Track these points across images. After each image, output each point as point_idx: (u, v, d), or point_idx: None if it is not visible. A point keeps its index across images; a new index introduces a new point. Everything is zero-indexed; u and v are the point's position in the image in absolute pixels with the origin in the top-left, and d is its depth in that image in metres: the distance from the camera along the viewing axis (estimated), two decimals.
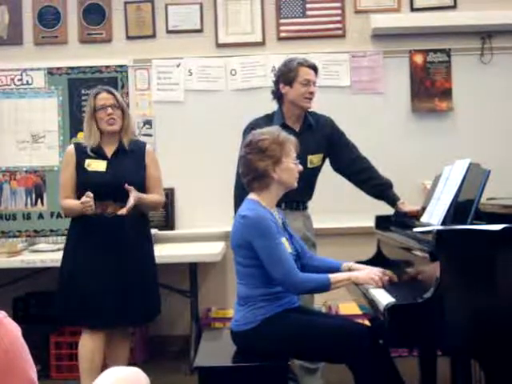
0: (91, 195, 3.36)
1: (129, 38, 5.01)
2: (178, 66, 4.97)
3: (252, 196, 2.90)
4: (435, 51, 4.88)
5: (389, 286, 2.78)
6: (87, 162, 3.52)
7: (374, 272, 2.86)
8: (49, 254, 4.48)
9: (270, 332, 2.75)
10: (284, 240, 2.84)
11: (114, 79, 4.96)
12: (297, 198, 3.58)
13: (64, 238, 3.70)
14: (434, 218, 2.89)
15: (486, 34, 4.83)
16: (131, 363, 3.56)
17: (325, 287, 2.77)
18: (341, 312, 4.53)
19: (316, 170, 3.75)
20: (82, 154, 3.54)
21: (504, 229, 2.35)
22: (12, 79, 5.00)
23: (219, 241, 4.72)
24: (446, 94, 4.87)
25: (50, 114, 4.99)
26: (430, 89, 4.88)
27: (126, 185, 3.42)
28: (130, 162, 3.56)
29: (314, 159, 3.68)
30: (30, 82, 5.00)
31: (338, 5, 4.91)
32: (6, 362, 1.43)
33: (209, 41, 4.98)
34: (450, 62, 4.88)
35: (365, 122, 4.79)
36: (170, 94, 4.98)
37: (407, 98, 4.89)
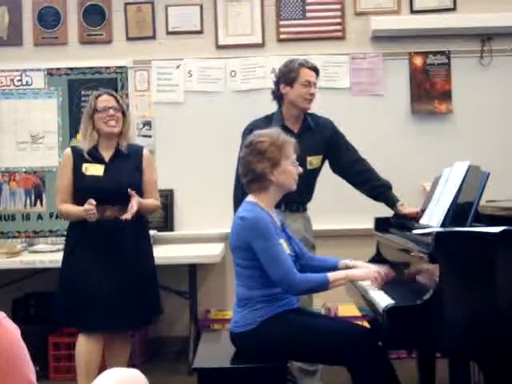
0: (94, 203, 3.33)
1: (129, 39, 5.01)
2: (177, 67, 4.97)
3: (250, 197, 2.91)
4: (435, 53, 4.88)
5: (388, 288, 2.78)
6: (84, 166, 3.49)
7: (372, 269, 2.87)
8: (48, 254, 4.48)
9: (269, 333, 2.75)
10: (282, 241, 2.84)
11: (114, 80, 4.96)
12: (296, 200, 3.58)
13: (63, 238, 3.69)
14: (433, 220, 2.89)
15: (485, 37, 4.83)
16: (130, 364, 3.56)
17: (323, 286, 2.77)
18: (340, 314, 4.53)
19: (315, 172, 3.75)
20: (79, 157, 3.51)
21: (503, 231, 2.35)
22: (12, 80, 5.00)
23: (218, 242, 4.72)
24: (446, 96, 4.87)
25: (50, 115, 4.99)
26: (429, 91, 4.88)
27: (129, 190, 3.41)
28: (128, 167, 3.54)
29: (313, 161, 3.68)
30: (29, 82, 5.00)
31: (337, 7, 4.91)
32: (4, 363, 1.43)
33: (209, 42, 4.98)
34: (449, 64, 4.88)
35: (364, 124, 4.79)
36: (169, 95, 4.98)
37: (407, 100, 4.89)
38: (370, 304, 2.69)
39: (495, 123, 4.84)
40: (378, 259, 3.42)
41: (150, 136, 4.98)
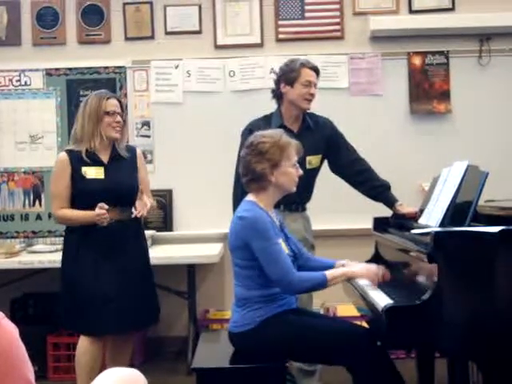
0: (106, 207, 3.29)
1: (127, 39, 5.01)
2: (176, 67, 4.97)
3: (250, 197, 2.91)
4: (433, 53, 4.88)
5: (387, 288, 2.79)
6: (84, 169, 3.41)
7: (369, 267, 2.87)
8: (47, 254, 4.48)
9: (268, 333, 2.75)
10: (281, 241, 2.84)
11: (113, 80, 4.96)
12: (295, 200, 3.58)
13: (62, 239, 3.64)
14: (431, 219, 2.89)
15: (484, 37, 4.83)
16: (129, 364, 3.55)
17: (322, 285, 2.77)
18: (339, 314, 4.53)
19: (315, 172, 3.75)
20: (76, 161, 3.41)
21: (502, 231, 2.35)
22: (10, 80, 4.99)
23: (217, 242, 4.72)
24: (445, 96, 4.88)
25: (49, 115, 4.98)
26: (428, 91, 4.88)
27: (138, 212, 3.41)
28: (127, 168, 3.52)
29: (312, 160, 3.68)
30: (28, 82, 5.00)
31: (336, 6, 4.91)
32: (3, 363, 1.43)
33: (207, 42, 4.98)
34: (448, 64, 4.88)
35: (363, 124, 4.79)
36: (168, 95, 4.98)
37: (405, 99, 4.89)
38: (369, 304, 2.69)
39: (494, 123, 4.84)
40: (376, 259, 3.42)
41: (148, 136, 4.98)
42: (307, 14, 4.93)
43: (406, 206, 3.58)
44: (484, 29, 4.77)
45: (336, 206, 4.66)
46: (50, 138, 4.97)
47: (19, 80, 5.00)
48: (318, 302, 4.40)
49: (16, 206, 4.99)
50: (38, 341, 4.31)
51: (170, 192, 4.95)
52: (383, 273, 2.89)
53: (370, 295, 2.73)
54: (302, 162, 3.15)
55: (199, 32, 4.98)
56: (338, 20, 4.92)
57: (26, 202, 4.98)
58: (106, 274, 3.35)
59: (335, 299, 4.29)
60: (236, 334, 2.85)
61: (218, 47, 4.97)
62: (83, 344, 3.40)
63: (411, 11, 4.91)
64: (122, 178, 3.46)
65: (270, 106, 3.81)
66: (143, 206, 3.45)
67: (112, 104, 3.46)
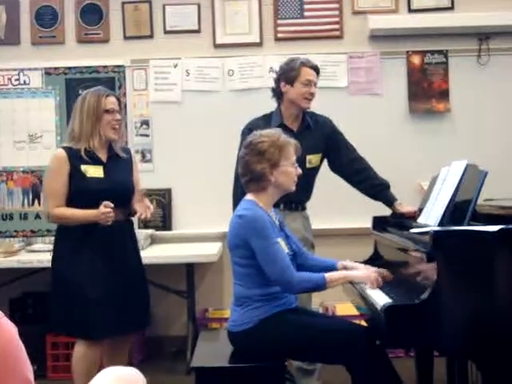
0: (111, 205, 3.20)
1: (126, 38, 5.00)
2: (175, 66, 4.97)
3: (249, 196, 2.91)
4: (432, 52, 4.88)
5: (386, 287, 2.79)
6: (83, 167, 3.31)
7: (370, 271, 2.87)
8: (46, 254, 4.44)
9: (267, 332, 2.75)
10: (280, 240, 2.84)
11: (112, 79, 4.96)
12: (295, 199, 3.58)
13: None
14: (430, 219, 2.89)
15: (483, 36, 4.83)
16: (128, 363, 3.54)
17: (320, 286, 2.78)
18: (338, 313, 4.53)
19: (314, 170, 3.75)
20: (75, 159, 3.31)
21: (501, 230, 2.35)
22: (9, 79, 4.99)
23: (216, 241, 4.72)
24: (444, 95, 4.88)
25: (48, 114, 4.98)
26: (427, 90, 4.88)
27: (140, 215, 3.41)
28: (124, 167, 3.47)
29: (312, 159, 3.69)
30: (27, 81, 4.99)
31: (335, 6, 4.91)
32: (2, 363, 1.43)
33: (206, 41, 4.97)
34: (447, 64, 4.88)
35: (362, 123, 4.79)
36: (167, 95, 4.98)
37: (404, 99, 4.89)
38: (368, 303, 2.69)
39: (493, 122, 4.84)
40: (375, 259, 3.42)
41: (147, 135, 4.97)
42: (306, 13, 4.93)
43: (405, 205, 3.58)
44: (483, 28, 4.78)
45: (335, 206, 4.66)
46: (49, 138, 4.97)
47: (18, 79, 4.99)
48: (317, 300, 4.40)
49: (15, 206, 4.99)
50: (37, 340, 4.31)
51: (169, 191, 4.95)
52: (385, 275, 2.89)
53: (369, 294, 2.73)
54: (301, 161, 3.16)
55: (198, 31, 4.98)
56: (337, 19, 4.92)
57: (25, 201, 4.97)
58: (103, 275, 3.28)
59: (334, 298, 4.29)
60: (235, 333, 2.85)
61: (216, 46, 4.97)
62: (81, 349, 3.31)
63: (410, 10, 4.90)
64: (120, 177, 3.40)
65: (269, 105, 3.81)
66: (145, 208, 3.41)
67: (111, 102, 3.38)
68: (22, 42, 5.02)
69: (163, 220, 4.95)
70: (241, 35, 4.95)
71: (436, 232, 2.42)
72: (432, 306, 2.32)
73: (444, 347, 2.45)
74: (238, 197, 3.37)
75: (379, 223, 3.52)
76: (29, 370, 1.51)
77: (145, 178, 4.67)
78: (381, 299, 2.59)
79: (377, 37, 4.89)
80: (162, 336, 4.90)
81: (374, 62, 4.91)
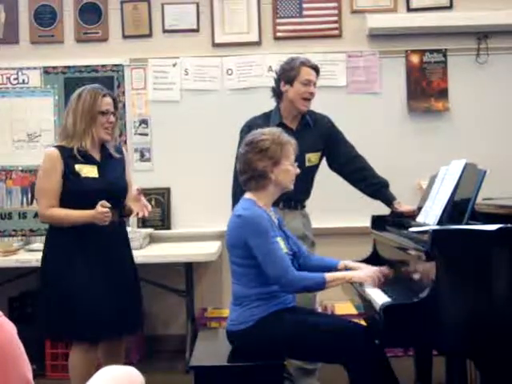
0: (108, 205, 3.10)
1: (125, 37, 5.00)
2: (174, 65, 4.97)
3: (248, 195, 2.91)
4: (431, 51, 4.88)
5: (385, 286, 2.79)
6: (77, 167, 3.21)
7: (371, 271, 2.87)
8: None
9: (265, 332, 2.75)
10: (279, 239, 2.84)
11: (110, 78, 4.96)
12: (295, 197, 3.58)
13: None
14: (429, 218, 2.89)
15: (481, 35, 4.83)
16: (127, 363, 3.54)
17: (320, 286, 2.78)
18: (336, 312, 4.53)
19: (314, 169, 3.75)
20: (68, 158, 3.21)
21: (499, 229, 2.35)
22: (8, 78, 4.99)
23: (215, 240, 4.72)
24: (442, 94, 4.88)
25: (46, 113, 4.98)
26: (426, 89, 4.88)
27: (137, 190, 3.31)
28: (118, 166, 3.38)
29: (311, 157, 3.69)
30: (26, 80, 4.99)
31: (334, 5, 4.91)
32: (1, 362, 1.43)
33: (205, 40, 4.97)
34: (446, 63, 4.88)
35: (361, 122, 4.79)
36: (166, 94, 4.97)
37: (403, 98, 4.89)
38: (367, 302, 2.69)
39: (492, 121, 4.85)
40: (374, 258, 3.42)
41: (146, 134, 4.97)
42: (305, 12, 4.93)
43: (404, 204, 3.58)
44: (482, 27, 4.78)
45: (334, 205, 4.66)
46: (48, 137, 4.95)
47: (17, 78, 4.99)
48: (317, 300, 4.40)
49: (14, 205, 4.99)
50: (36, 339, 4.30)
51: (168, 190, 4.95)
52: (386, 273, 2.89)
53: (368, 293, 2.73)
54: (301, 160, 3.16)
55: (197, 30, 4.97)
56: (335, 18, 4.92)
57: (24, 200, 4.97)
58: (97, 277, 3.19)
59: (333, 297, 4.29)
60: (233, 333, 2.85)
61: (215, 45, 4.96)
62: (77, 354, 3.23)
63: (409, 9, 4.90)
64: (115, 177, 3.31)
65: (267, 104, 3.81)
66: (142, 207, 3.32)
67: (107, 103, 3.28)
68: (21, 41, 5.02)
69: (162, 219, 4.95)
70: (239, 34, 4.95)
71: (435, 231, 2.42)
72: (431, 305, 2.32)
73: (443, 346, 2.45)
74: (237, 195, 3.36)
75: (378, 222, 3.52)
76: (28, 369, 1.51)
77: (144, 177, 4.72)
78: (379, 298, 2.59)
79: (376, 36, 4.89)
80: (160, 335, 4.90)
81: (373, 60, 4.91)
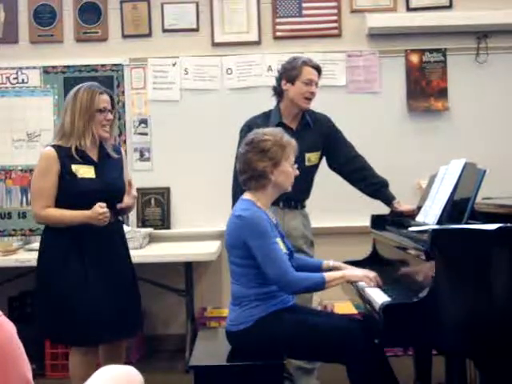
0: (104, 205, 3.08)
1: (125, 36, 5.00)
2: (173, 64, 4.96)
3: (247, 196, 2.90)
4: (431, 51, 4.88)
5: (384, 286, 2.79)
6: (74, 167, 3.16)
7: (367, 272, 2.87)
8: None
9: (265, 331, 2.75)
10: (278, 240, 2.84)
11: (110, 78, 4.96)
12: (294, 197, 3.58)
13: None
14: (429, 217, 2.89)
15: (481, 34, 4.84)
16: (126, 362, 3.54)
17: (319, 286, 2.78)
18: (336, 311, 4.53)
19: (313, 168, 3.75)
20: (65, 158, 3.16)
21: (499, 228, 2.35)
22: (7, 78, 4.99)
23: (215, 240, 4.72)
24: (442, 93, 4.88)
25: (46, 113, 4.98)
26: (425, 88, 4.88)
27: (121, 205, 3.29)
28: (115, 167, 3.33)
29: (311, 157, 3.69)
30: (25, 80, 4.99)
31: (334, 4, 4.91)
32: (1, 361, 1.43)
33: (205, 40, 4.97)
34: (445, 62, 4.88)
35: (360, 122, 4.79)
36: (165, 93, 4.97)
37: (403, 97, 4.90)
38: (366, 301, 2.69)
39: (491, 120, 4.85)
40: (374, 257, 3.43)
41: (146, 134, 4.97)
42: (304, 12, 4.93)
43: (403, 204, 3.58)
44: (481, 26, 4.78)
45: (334, 204, 4.66)
46: (48, 136, 4.92)
47: (16, 78, 4.99)
48: (316, 299, 4.40)
49: (13, 204, 4.99)
50: (36, 339, 4.29)
51: (167, 190, 4.95)
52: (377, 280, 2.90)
53: (368, 293, 2.73)
54: (301, 160, 3.16)
55: (196, 30, 4.97)
56: (335, 18, 4.92)
57: (24, 199, 4.97)
58: (94, 279, 3.14)
59: (333, 297, 4.30)
60: (233, 333, 2.85)
61: (215, 45, 4.96)
62: (77, 356, 3.20)
63: (409, 9, 4.91)
64: (112, 178, 3.27)
65: (267, 104, 3.81)
66: (132, 198, 3.32)
67: (104, 100, 3.24)
68: (21, 41, 5.02)
69: (162, 219, 4.95)
70: (239, 34, 4.95)
71: (434, 230, 2.42)
72: (430, 305, 2.32)
73: (442, 346, 2.45)
74: (237, 195, 3.36)
75: (378, 222, 3.52)
76: (28, 368, 1.51)
77: (143, 176, 4.73)
78: (379, 298, 2.59)
79: (375, 35, 4.89)
80: (160, 334, 4.90)
81: (373, 60, 4.91)
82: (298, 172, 2.95)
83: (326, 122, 3.79)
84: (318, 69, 3.70)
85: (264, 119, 3.69)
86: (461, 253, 2.37)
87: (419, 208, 3.19)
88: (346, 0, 4.92)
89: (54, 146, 3.21)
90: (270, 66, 4.80)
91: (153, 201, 4.91)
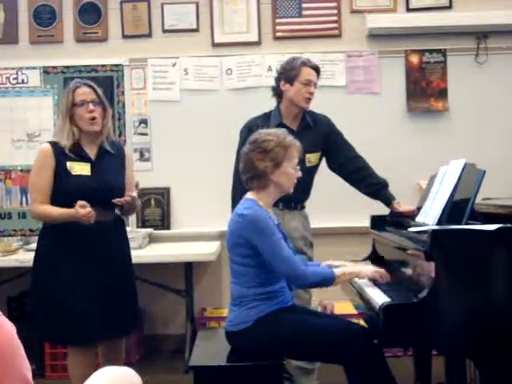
0: (88, 204, 3.02)
1: (125, 37, 5.00)
2: (173, 65, 4.97)
3: (249, 195, 2.91)
4: (431, 51, 4.88)
5: (384, 286, 2.79)
6: (69, 164, 3.15)
7: (375, 267, 2.88)
8: None
9: (264, 331, 2.75)
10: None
11: (110, 78, 4.96)
12: (294, 198, 3.56)
13: None
14: (429, 217, 2.89)
15: (481, 35, 4.84)
16: (126, 362, 3.54)
17: (330, 281, 2.77)
18: (336, 311, 4.53)
19: (314, 169, 3.75)
20: (60, 154, 3.15)
21: (499, 229, 2.35)
22: (7, 78, 4.99)
23: (215, 240, 4.72)
24: (442, 94, 4.88)
25: (46, 113, 4.98)
26: (425, 89, 4.88)
27: (118, 200, 3.18)
28: (114, 165, 3.28)
29: (311, 158, 3.69)
30: (25, 80, 4.99)
31: (333, 4, 4.91)
32: (1, 361, 1.43)
33: (205, 40, 4.97)
34: (445, 62, 4.88)
35: (360, 122, 4.79)
36: (165, 94, 4.97)
37: (403, 98, 4.90)
38: (366, 302, 2.69)
39: (491, 121, 4.85)
40: (373, 258, 3.43)
41: (146, 134, 4.97)
42: (304, 12, 4.93)
43: (403, 204, 3.58)
44: (481, 27, 4.78)
45: (334, 205, 4.66)
46: (48, 136, 4.88)
47: (16, 78, 4.99)
48: (316, 299, 4.40)
49: (13, 204, 4.99)
50: (36, 339, 4.30)
51: (167, 190, 4.95)
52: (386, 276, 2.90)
53: (368, 293, 2.73)
54: (301, 160, 3.16)
55: (196, 30, 4.97)
56: (335, 18, 4.92)
57: (23, 200, 4.97)
58: (90, 279, 3.13)
59: (333, 297, 4.30)
60: (232, 333, 2.85)
61: (215, 45, 4.96)
62: (74, 355, 3.20)
63: (408, 9, 4.91)
64: (109, 176, 3.22)
65: (267, 104, 3.81)
66: (128, 197, 3.21)
67: (81, 93, 3.18)
68: (20, 41, 5.02)
69: (162, 219, 4.95)
70: (239, 34, 4.95)
71: (434, 231, 2.42)
72: (430, 305, 2.33)
73: (442, 346, 2.45)
74: (236, 195, 3.37)
75: (378, 222, 3.52)
76: (27, 368, 1.51)
77: (143, 176, 4.72)
78: (379, 298, 2.59)
79: (375, 36, 4.89)
80: (160, 335, 4.91)
81: (373, 60, 4.91)
82: (300, 173, 2.95)
83: (326, 122, 3.79)
84: (316, 69, 3.70)
85: (264, 120, 3.69)
86: (461, 253, 2.38)
87: (419, 208, 3.19)
88: (346, 0, 4.92)
89: (50, 143, 3.22)
90: (269, 67, 4.80)
91: (153, 201, 4.91)
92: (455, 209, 2.72)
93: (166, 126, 4.95)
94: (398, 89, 4.89)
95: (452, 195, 2.78)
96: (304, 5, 4.92)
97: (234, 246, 2.86)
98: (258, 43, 4.95)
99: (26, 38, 5.01)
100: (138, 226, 4.86)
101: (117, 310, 3.19)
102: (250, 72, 4.93)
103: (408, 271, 2.76)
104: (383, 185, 3.72)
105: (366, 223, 3.60)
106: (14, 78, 4.99)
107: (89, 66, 4.97)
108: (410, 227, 2.85)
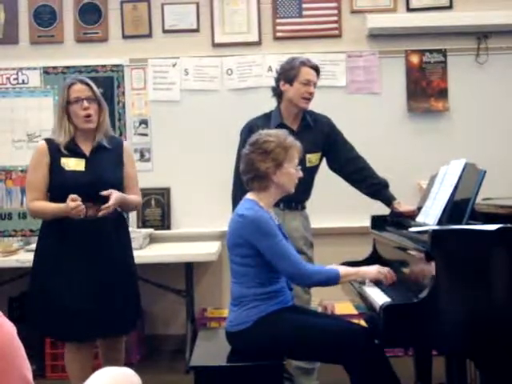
0: (78, 198, 3.04)
1: (125, 37, 5.00)
2: (174, 65, 4.97)
3: (250, 195, 2.91)
4: (431, 51, 4.88)
5: (384, 286, 2.79)
6: (63, 160, 3.17)
7: (380, 267, 2.87)
8: None
9: (264, 332, 2.75)
10: None
11: (110, 78, 4.96)
12: (295, 198, 3.56)
13: None
14: (429, 218, 2.89)
15: (481, 35, 4.84)
16: (127, 363, 3.53)
17: (333, 281, 2.77)
18: (336, 312, 4.53)
19: (314, 169, 3.75)
20: (55, 151, 3.19)
21: (499, 229, 2.35)
22: (8, 78, 4.99)
23: (215, 240, 4.72)
24: (442, 94, 4.88)
25: (46, 114, 4.97)
26: (425, 89, 4.88)
27: (105, 191, 3.13)
28: (109, 161, 3.27)
29: (312, 158, 3.69)
30: (25, 81, 4.99)
31: (334, 5, 4.91)
32: (1, 362, 1.42)
33: (205, 40, 4.97)
34: (445, 63, 4.88)
35: (361, 122, 4.79)
36: (166, 94, 4.97)
37: (403, 98, 4.89)
38: (367, 302, 2.70)
39: (491, 121, 4.85)
40: (374, 258, 3.42)
41: (146, 134, 4.97)
42: (305, 13, 4.93)
43: (403, 204, 3.58)
44: (482, 27, 4.78)
45: (334, 205, 4.66)
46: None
47: (17, 78, 4.99)
48: (316, 299, 4.40)
49: (14, 205, 4.99)
50: (36, 339, 4.31)
51: (167, 190, 4.95)
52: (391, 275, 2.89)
53: (368, 293, 2.73)
54: (301, 160, 3.16)
55: (197, 30, 4.97)
56: (335, 18, 4.92)
57: (24, 200, 4.96)
58: (87, 276, 3.13)
59: (333, 297, 4.30)
60: (232, 334, 2.85)
61: (215, 45, 4.96)
62: (70, 352, 3.23)
63: (409, 9, 4.91)
64: (103, 171, 3.21)
65: (267, 104, 3.81)
66: (106, 205, 3.14)
67: (75, 90, 3.20)
68: (21, 41, 5.02)
69: (162, 219, 4.95)
70: (239, 34, 4.95)
71: (435, 231, 2.42)
72: (431, 305, 2.33)
73: (443, 346, 2.45)
74: (237, 196, 3.37)
75: (378, 222, 3.52)
76: (28, 369, 1.51)
77: (143, 177, 4.68)
78: (379, 298, 2.59)
79: (375, 36, 4.89)
80: (160, 335, 4.91)
81: (373, 60, 4.91)
82: (301, 174, 2.95)
83: (326, 122, 3.79)
84: (316, 69, 3.70)
85: (264, 120, 3.69)
86: (461, 253, 2.38)
87: (419, 208, 3.19)
88: (346, 0, 4.92)
89: (46, 140, 3.27)
90: (270, 67, 4.80)
91: (153, 201, 4.91)
92: (456, 209, 2.72)
93: (166, 127, 4.95)
94: (399, 89, 4.89)
95: (452, 195, 2.78)
96: (304, 5, 4.92)
97: (234, 246, 2.86)
98: (258, 43, 4.95)
99: (26, 38, 5.01)
100: (138, 226, 4.86)
101: (116, 308, 3.20)
102: (250, 72, 4.93)
103: (408, 271, 2.76)
104: (384, 185, 3.72)
105: (367, 223, 3.60)
106: (14, 79, 4.99)
107: (89, 66, 4.97)
108: (410, 227, 2.85)
